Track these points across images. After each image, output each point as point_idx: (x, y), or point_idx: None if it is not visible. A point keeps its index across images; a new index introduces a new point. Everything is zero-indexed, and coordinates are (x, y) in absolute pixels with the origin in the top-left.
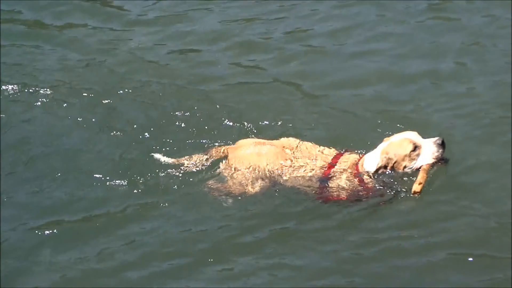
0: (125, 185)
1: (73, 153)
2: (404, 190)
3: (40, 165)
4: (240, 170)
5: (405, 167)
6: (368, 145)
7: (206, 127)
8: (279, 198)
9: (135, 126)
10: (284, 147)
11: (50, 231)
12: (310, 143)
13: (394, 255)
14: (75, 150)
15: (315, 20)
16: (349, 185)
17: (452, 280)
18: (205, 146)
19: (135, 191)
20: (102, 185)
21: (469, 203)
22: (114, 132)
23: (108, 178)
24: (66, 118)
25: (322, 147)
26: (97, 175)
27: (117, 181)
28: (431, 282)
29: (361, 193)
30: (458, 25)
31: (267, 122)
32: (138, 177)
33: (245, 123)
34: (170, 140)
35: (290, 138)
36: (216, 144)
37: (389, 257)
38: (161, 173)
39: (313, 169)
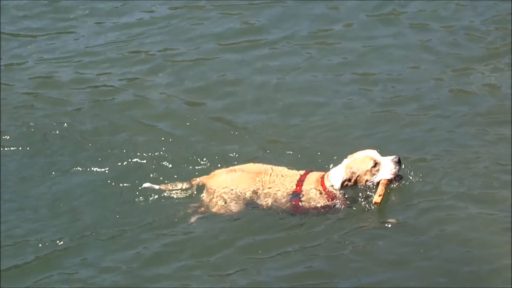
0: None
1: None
2: (366, 201)
3: None
4: (217, 194)
5: (366, 181)
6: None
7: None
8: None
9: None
10: (253, 171)
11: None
12: (276, 166)
13: None
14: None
15: None
16: (319, 197)
17: None
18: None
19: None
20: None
21: None
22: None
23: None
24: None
25: (287, 169)
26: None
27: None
28: None
29: (328, 204)
30: None
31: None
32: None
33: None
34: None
35: (258, 164)
36: (196, 174)
37: None
38: (148, 197)
39: (284, 188)
